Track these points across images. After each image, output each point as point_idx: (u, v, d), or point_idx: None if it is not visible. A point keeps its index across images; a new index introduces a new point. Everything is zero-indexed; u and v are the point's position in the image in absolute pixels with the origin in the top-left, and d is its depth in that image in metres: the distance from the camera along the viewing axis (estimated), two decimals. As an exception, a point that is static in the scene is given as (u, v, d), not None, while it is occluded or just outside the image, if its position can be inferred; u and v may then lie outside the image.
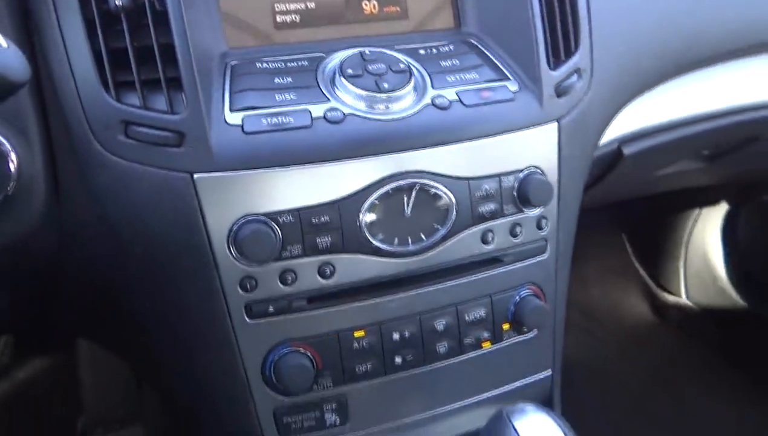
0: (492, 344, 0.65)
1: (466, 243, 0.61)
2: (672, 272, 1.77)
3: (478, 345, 0.64)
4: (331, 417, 0.61)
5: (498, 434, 0.46)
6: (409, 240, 0.59)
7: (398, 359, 0.61)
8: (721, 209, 1.64)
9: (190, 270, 0.56)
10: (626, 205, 1.83)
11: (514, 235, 0.63)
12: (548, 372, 0.71)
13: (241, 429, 0.60)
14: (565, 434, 0.45)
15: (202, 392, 0.62)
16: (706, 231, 1.67)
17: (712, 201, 1.63)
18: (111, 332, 0.73)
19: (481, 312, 0.63)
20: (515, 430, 0.45)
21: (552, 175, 0.64)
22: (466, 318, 0.63)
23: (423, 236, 0.59)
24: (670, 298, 1.78)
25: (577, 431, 0.65)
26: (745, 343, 1.59)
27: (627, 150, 0.82)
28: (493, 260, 0.64)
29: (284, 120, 0.54)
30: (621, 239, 1.92)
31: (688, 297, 1.74)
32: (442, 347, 0.62)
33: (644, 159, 0.87)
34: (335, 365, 0.59)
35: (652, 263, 1.83)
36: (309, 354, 0.58)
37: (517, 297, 0.65)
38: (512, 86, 0.61)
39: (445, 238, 0.60)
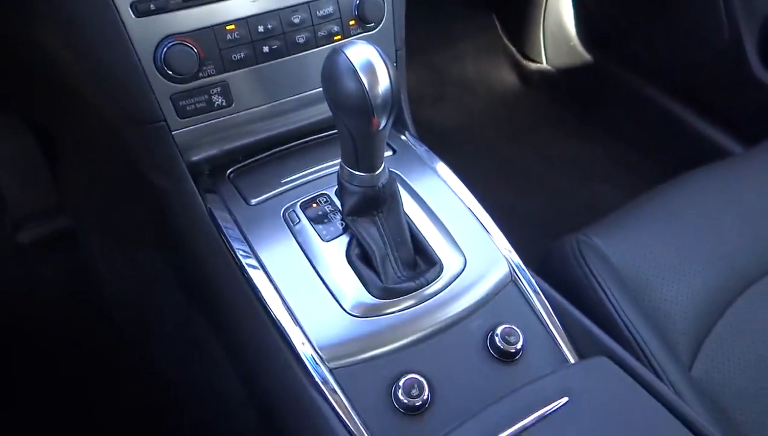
0: (342, 38, 0.81)
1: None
2: (534, 41, 1.98)
3: (330, 39, 0.80)
4: (218, 99, 0.77)
5: (332, 60, 0.63)
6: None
7: (266, 48, 0.77)
8: (571, -26, 1.83)
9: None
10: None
11: None
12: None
13: (147, 115, 0.75)
14: (382, 57, 0.63)
15: (110, 93, 0.75)
16: (560, -2, 1.87)
17: (564, -33, 1.80)
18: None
19: (329, 9, 0.79)
20: (344, 54, 0.62)
21: None
22: (318, 14, 0.78)
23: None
24: (534, 65, 2.02)
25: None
26: (591, 93, 1.87)
27: None
28: (336, -33, 0.78)
29: None
30: (491, 19, 2.10)
31: (547, 62, 1.98)
32: (300, 39, 0.78)
33: None
34: (215, 54, 0.74)
35: (518, 37, 2.04)
36: (191, 46, 0.73)
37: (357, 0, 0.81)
38: None
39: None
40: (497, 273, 0.75)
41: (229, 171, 0.83)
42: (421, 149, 0.88)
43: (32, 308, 1.42)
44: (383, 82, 0.62)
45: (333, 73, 0.63)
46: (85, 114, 0.85)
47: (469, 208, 0.81)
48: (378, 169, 0.70)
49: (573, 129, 1.87)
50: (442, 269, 0.73)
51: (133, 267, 1.12)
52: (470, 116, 1.93)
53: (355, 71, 0.61)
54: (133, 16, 0.69)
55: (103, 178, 1.07)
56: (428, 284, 0.71)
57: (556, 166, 1.75)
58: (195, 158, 0.80)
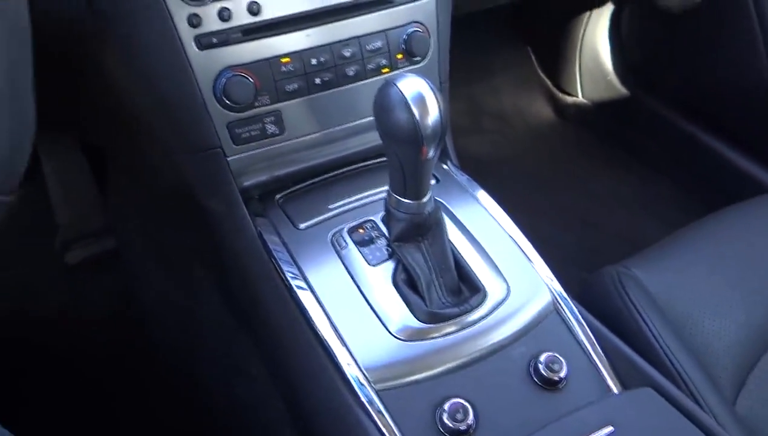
0: (390, 70, 0.85)
1: (361, -14, 0.79)
2: (570, 75, 2.00)
3: (379, 71, 0.84)
4: (271, 128, 0.80)
5: (384, 92, 0.66)
6: (318, -16, 0.77)
7: (318, 80, 0.80)
8: (607, 10, 1.85)
9: (146, 14, 0.72)
10: (530, 20, 2.03)
11: None
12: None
13: (204, 142, 0.78)
14: (432, 90, 0.65)
15: (171, 121, 0.79)
16: (596, 32, 1.89)
17: (600, 2, 1.83)
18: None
19: (378, 43, 0.83)
20: (396, 86, 0.65)
21: None
22: (368, 48, 0.82)
23: (326, -21, 0.77)
24: (569, 99, 2.03)
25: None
26: (627, 126, 1.87)
27: None
28: (385, 1, 0.82)
29: None
30: (527, 53, 2.13)
31: (583, 95, 1.99)
32: (350, 71, 0.82)
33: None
34: (270, 85, 0.78)
35: (554, 70, 2.06)
36: (248, 77, 0.76)
37: (405, 35, 0.84)
38: None
39: (343, -22, 0.78)
40: (540, 301, 0.76)
41: (278, 196, 0.86)
42: (462, 178, 0.90)
43: (78, 328, 1.46)
44: (433, 114, 0.65)
45: (385, 104, 0.66)
46: (143, 139, 0.89)
47: (511, 236, 0.83)
48: (424, 197, 0.72)
49: (609, 161, 1.87)
50: (485, 295, 0.74)
51: (179, 289, 1.15)
52: (507, 148, 1.95)
53: (406, 103, 0.64)
54: (196, 49, 0.74)
55: (154, 201, 1.11)
56: (472, 310, 0.72)
57: (593, 198, 1.75)
58: (247, 184, 0.84)
